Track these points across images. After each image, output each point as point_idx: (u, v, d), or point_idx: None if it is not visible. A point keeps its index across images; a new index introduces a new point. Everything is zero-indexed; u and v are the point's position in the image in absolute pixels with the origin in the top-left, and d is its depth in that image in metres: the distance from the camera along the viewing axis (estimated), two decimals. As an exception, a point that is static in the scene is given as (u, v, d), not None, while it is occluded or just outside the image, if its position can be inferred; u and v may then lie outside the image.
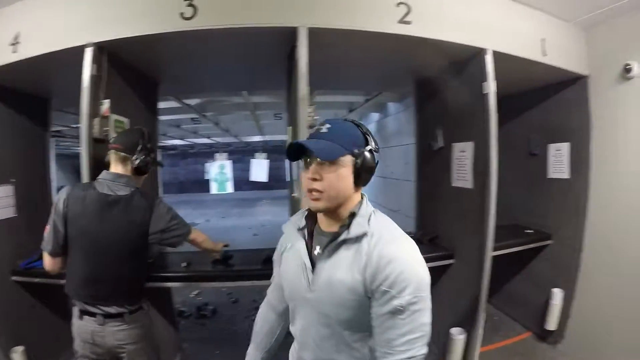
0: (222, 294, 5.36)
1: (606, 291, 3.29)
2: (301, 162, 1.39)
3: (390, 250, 1.25)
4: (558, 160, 3.76)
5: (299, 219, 1.51)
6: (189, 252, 3.03)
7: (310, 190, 1.32)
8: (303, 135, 2.43)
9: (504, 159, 2.98)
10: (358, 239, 1.31)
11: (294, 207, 2.76)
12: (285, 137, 3.00)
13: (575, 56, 3.35)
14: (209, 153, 17.84)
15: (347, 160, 1.30)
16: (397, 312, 1.21)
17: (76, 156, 2.50)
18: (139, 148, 2.27)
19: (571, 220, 3.63)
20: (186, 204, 17.07)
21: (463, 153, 3.22)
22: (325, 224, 1.43)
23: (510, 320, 4.32)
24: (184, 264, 2.91)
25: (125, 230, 2.19)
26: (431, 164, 3.80)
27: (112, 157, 2.26)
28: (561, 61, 3.20)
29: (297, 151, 1.34)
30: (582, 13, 3.15)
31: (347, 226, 1.34)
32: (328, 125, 1.33)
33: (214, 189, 12.71)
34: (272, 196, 18.28)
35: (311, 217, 1.49)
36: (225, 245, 2.88)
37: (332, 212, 1.37)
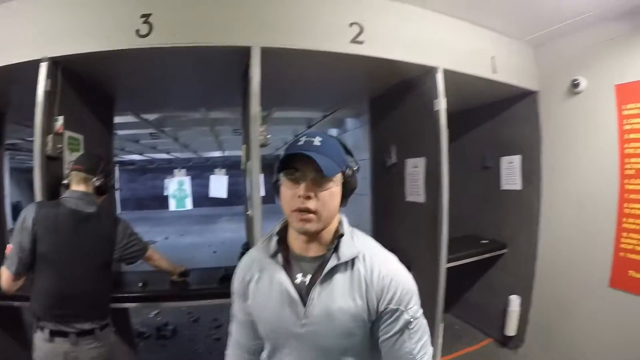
0: (182, 314, 5.21)
1: (561, 295, 3.42)
2: (279, 177, 1.24)
3: (387, 267, 1.23)
4: (510, 172, 3.89)
5: (268, 244, 1.32)
6: (145, 271, 2.97)
7: (302, 210, 1.17)
8: (256, 154, 2.45)
9: (459, 173, 3.06)
10: (350, 261, 1.24)
11: (249, 225, 2.75)
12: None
13: (525, 73, 3.50)
14: (168, 169, 17.33)
15: (339, 178, 1.21)
16: (408, 324, 1.21)
17: (32, 170, 2.44)
18: (99, 170, 2.31)
19: (525, 229, 3.76)
20: (144, 220, 16.64)
21: (415, 168, 3.29)
22: (302, 248, 1.28)
23: (471, 328, 4.40)
24: (140, 284, 2.84)
25: (98, 245, 2.26)
26: (386, 179, 3.88)
27: (74, 177, 2.28)
28: (511, 78, 3.34)
29: (292, 162, 1.18)
30: (531, 32, 3.30)
31: (334, 249, 1.24)
32: (320, 139, 1.20)
33: (172, 205, 12.46)
34: (232, 212, 18.08)
35: (282, 240, 1.32)
36: (184, 273, 2.89)
37: (315, 234, 1.24)
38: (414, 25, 2.83)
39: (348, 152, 1.29)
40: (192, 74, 3.08)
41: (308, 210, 1.16)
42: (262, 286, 1.31)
